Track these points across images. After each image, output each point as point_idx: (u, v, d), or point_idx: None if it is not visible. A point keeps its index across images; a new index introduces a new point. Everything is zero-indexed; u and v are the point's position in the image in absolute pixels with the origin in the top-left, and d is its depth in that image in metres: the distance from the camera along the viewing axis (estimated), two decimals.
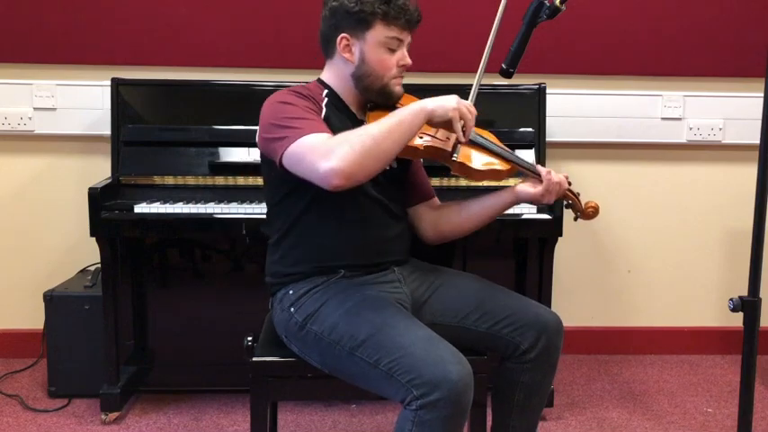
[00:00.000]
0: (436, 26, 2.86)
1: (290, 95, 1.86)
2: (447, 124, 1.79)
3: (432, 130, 1.90)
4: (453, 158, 1.88)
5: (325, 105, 1.91)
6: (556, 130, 2.97)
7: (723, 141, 3.09)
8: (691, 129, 3.08)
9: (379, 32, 1.87)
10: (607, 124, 3.05)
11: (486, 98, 2.86)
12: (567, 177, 2.01)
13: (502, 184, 2.10)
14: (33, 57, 2.91)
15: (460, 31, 2.92)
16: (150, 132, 2.70)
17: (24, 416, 2.62)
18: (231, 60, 2.93)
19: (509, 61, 1.94)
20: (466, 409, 1.64)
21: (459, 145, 1.88)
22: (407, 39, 1.92)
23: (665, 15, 3.00)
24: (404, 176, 2.04)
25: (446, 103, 1.76)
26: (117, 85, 2.71)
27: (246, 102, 2.74)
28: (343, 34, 1.89)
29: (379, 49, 1.89)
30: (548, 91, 2.81)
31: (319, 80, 1.98)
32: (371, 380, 1.73)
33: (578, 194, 2.07)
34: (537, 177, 1.97)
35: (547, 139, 2.81)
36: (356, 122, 1.92)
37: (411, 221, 2.08)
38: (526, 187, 1.97)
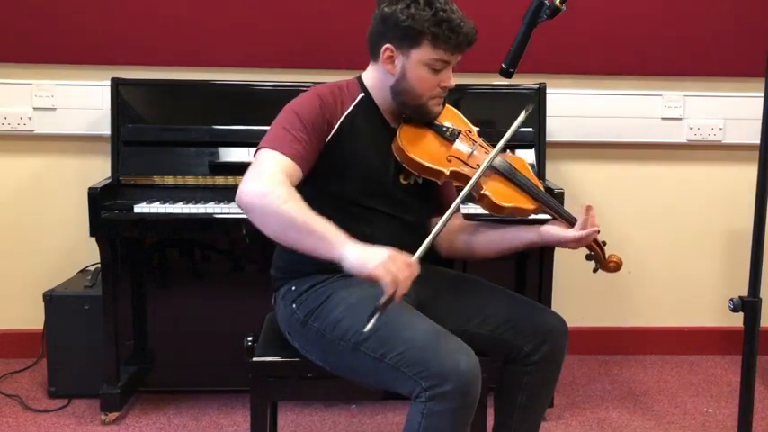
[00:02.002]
0: None
1: (308, 102, 1.81)
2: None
3: (463, 156, 1.87)
4: (482, 192, 1.83)
5: (355, 106, 1.86)
6: (556, 130, 2.96)
7: (723, 141, 3.09)
8: (691, 129, 3.08)
9: (424, 53, 1.78)
10: (607, 124, 3.05)
11: (487, 98, 2.87)
12: (597, 226, 1.84)
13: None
14: (33, 57, 2.90)
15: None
16: (150, 132, 2.70)
17: (24, 416, 2.62)
18: (231, 60, 2.93)
19: (509, 61, 1.93)
20: (474, 402, 1.64)
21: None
22: (456, 60, 1.83)
23: (665, 15, 3.00)
24: (429, 190, 1.96)
25: (369, 262, 1.55)
26: (117, 84, 2.71)
27: (246, 102, 2.74)
28: (388, 44, 1.81)
29: (422, 68, 1.80)
30: (548, 91, 2.82)
31: (360, 80, 1.92)
32: (377, 375, 1.71)
33: (604, 245, 1.91)
34: (565, 222, 1.86)
35: (547, 139, 2.82)
36: (388, 130, 1.89)
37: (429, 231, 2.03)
38: (553, 229, 1.85)
